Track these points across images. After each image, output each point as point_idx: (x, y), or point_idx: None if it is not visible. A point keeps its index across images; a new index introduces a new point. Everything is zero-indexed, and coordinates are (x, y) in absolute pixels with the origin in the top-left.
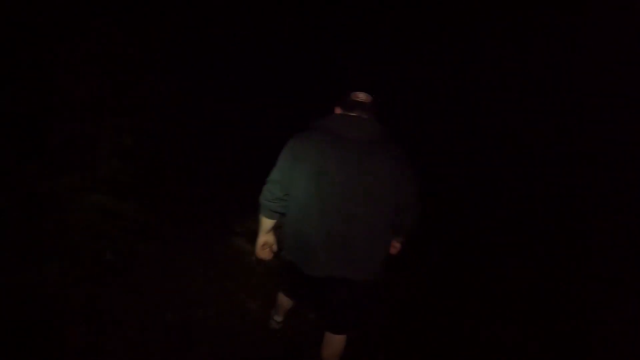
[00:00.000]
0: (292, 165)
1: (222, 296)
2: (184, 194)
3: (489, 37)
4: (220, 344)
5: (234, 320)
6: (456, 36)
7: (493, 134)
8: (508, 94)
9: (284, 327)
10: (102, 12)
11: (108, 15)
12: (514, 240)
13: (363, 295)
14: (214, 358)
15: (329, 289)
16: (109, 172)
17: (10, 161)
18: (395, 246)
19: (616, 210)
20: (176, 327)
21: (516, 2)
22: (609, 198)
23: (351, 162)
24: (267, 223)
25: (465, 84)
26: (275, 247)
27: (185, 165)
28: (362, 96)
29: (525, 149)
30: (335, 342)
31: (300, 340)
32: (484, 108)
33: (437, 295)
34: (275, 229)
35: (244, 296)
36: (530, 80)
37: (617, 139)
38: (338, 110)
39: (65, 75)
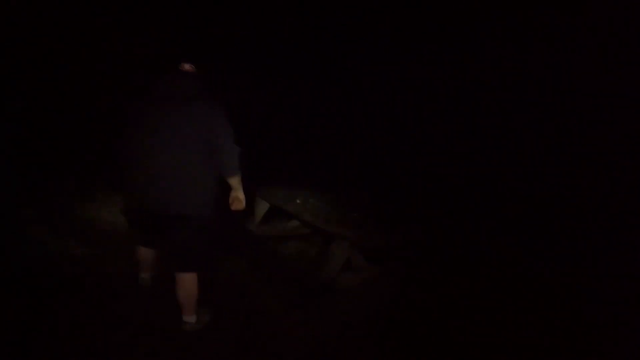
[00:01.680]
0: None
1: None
2: None
3: (489, 37)
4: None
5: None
6: (456, 36)
7: (493, 134)
8: (508, 94)
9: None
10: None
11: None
12: (514, 240)
13: (196, 230)
14: None
15: (165, 226)
16: None
17: None
18: (235, 197)
19: (616, 210)
20: None
21: (516, 2)
22: (609, 198)
23: (167, 115)
24: None
25: (465, 84)
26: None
27: None
28: (186, 66)
29: (525, 149)
30: (184, 281)
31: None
32: (484, 108)
33: (437, 294)
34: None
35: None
36: (530, 80)
37: (617, 139)
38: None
39: None
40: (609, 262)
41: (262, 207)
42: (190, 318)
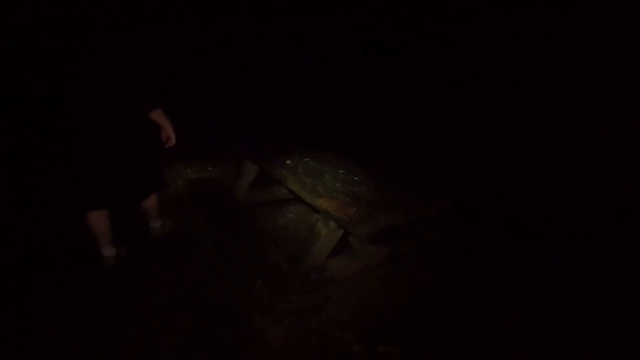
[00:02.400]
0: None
1: None
2: None
3: (489, 37)
4: None
5: None
6: (456, 36)
7: (493, 134)
8: (508, 94)
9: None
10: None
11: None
12: (517, 240)
13: (146, 158)
14: None
15: (122, 166)
16: None
17: None
18: (165, 136)
19: (617, 210)
20: None
21: (516, 2)
22: (609, 198)
23: (105, 80)
24: None
25: (465, 84)
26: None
27: None
28: (114, 39)
29: (525, 148)
30: (149, 198)
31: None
32: (484, 108)
33: (450, 289)
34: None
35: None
36: (530, 80)
37: (617, 139)
38: None
39: None
40: (610, 261)
41: (250, 171)
42: (155, 224)
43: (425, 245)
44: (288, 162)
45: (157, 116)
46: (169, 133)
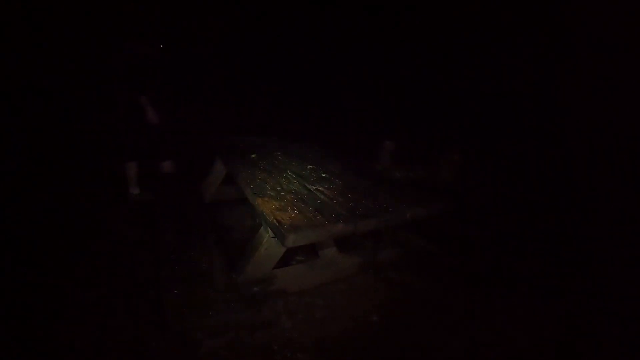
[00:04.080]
0: None
1: None
2: None
3: (490, 38)
4: None
5: None
6: (456, 37)
7: (495, 135)
8: (508, 94)
9: None
10: None
11: None
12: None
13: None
14: None
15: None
16: None
17: None
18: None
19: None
20: None
21: (516, 2)
22: (610, 199)
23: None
24: None
25: (466, 84)
26: None
27: None
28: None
29: (524, 148)
30: (130, 166)
31: None
32: (485, 108)
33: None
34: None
35: None
36: (529, 80)
37: (616, 139)
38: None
39: None
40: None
41: (221, 167)
42: (134, 190)
43: (410, 254)
44: (253, 155)
45: (143, 102)
46: (150, 114)
